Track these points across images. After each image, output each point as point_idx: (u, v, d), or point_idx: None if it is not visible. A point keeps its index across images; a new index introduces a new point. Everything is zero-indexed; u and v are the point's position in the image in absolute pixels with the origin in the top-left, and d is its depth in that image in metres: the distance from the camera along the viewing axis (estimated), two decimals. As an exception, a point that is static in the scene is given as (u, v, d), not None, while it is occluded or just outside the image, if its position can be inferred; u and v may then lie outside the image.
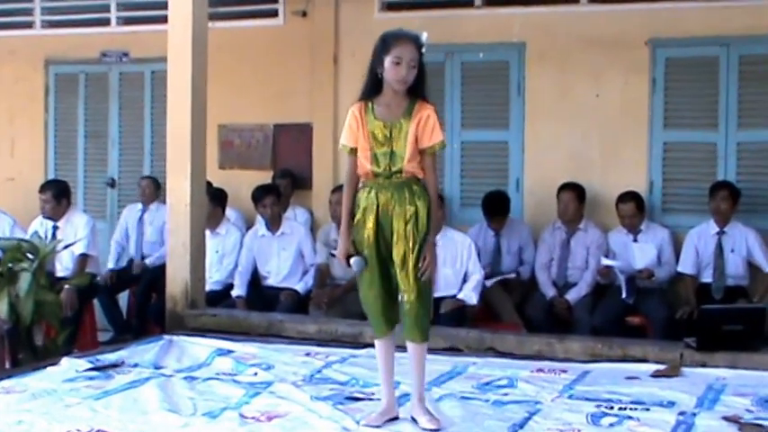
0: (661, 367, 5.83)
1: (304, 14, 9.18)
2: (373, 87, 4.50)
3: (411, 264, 4.40)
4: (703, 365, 5.97)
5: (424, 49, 4.44)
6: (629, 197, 7.88)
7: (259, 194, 8.30)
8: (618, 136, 8.30)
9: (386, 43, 4.43)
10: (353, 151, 4.53)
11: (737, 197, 7.70)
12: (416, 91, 4.47)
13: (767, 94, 7.96)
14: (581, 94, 8.39)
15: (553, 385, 5.32)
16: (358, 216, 4.49)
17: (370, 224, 4.45)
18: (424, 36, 4.47)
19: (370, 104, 4.49)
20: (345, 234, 4.55)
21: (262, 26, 9.46)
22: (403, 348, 4.59)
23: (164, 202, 7.84)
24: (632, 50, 8.22)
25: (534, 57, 8.51)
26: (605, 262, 7.70)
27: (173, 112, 7.03)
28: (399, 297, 4.48)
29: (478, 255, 7.81)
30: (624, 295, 7.58)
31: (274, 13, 9.42)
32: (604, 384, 5.36)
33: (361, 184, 4.54)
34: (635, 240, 7.87)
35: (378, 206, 4.44)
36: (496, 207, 8.16)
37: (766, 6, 7.88)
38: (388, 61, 4.39)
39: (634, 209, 7.83)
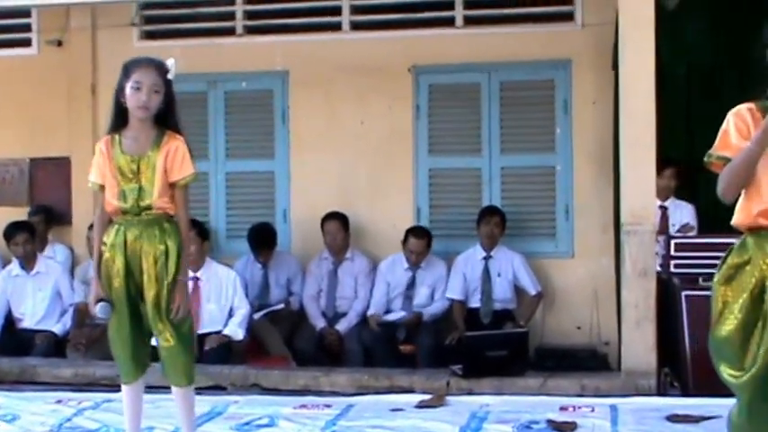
0: (426, 397, 5.81)
1: (59, 44, 8.79)
2: (119, 119, 4.30)
3: (163, 305, 4.22)
4: (470, 392, 6.03)
5: (170, 76, 4.25)
6: (423, 233, 7.79)
7: (10, 232, 7.89)
8: (384, 163, 8.28)
9: (126, 70, 4.28)
10: (102, 188, 4.32)
11: (505, 222, 7.80)
12: (165, 121, 4.27)
13: (528, 120, 8.11)
14: (346, 121, 8.34)
15: (315, 422, 5.23)
16: (106, 255, 4.29)
17: (118, 264, 4.26)
18: (170, 62, 4.30)
19: (117, 138, 4.28)
20: (96, 276, 4.34)
21: (14, 56, 9.00)
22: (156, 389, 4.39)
23: None
24: (396, 77, 8.22)
25: (298, 85, 8.41)
26: (384, 318, 7.61)
27: None
28: (156, 341, 4.29)
29: (246, 288, 7.65)
30: (400, 338, 7.54)
31: (27, 43, 8.98)
32: (368, 418, 5.32)
33: (111, 222, 4.33)
34: (413, 276, 7.80)
35: (126, 245, 4.23)
36: (263, 239, 8.00)
37: (525, 34, 8.06)
38: (128, 87, 4.20)
39: (424, 246, 7.75)
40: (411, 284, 7.77)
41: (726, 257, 3.36)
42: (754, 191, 3.26)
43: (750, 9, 7.52)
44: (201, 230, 7.42)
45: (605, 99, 7.57)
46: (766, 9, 7.34)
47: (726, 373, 3.31)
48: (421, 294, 7.77)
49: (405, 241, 7.74)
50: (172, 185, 4.28)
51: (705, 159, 3.39)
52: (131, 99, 4.21)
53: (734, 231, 7.31)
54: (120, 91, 4.26)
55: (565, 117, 8.01)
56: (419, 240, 7.69)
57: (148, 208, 4.24)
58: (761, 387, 3.21)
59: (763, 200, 3.24)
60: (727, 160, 3.29)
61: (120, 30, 8.64)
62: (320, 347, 7.68)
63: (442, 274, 7.86)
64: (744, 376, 3.23)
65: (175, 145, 4.27)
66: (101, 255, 4.33)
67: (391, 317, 7.62)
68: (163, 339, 4.25)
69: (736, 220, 3.33)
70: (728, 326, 3.28)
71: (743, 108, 3.35)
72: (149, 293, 4.23)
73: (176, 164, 4.26)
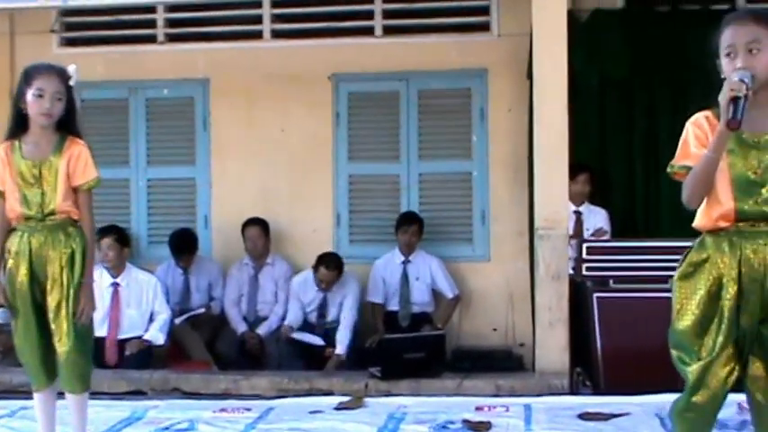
0: (345, 399, 5.88)
1: (-25, 49, 8.72)
2: (19, 125, 4.28)
3: (65, 311, 4.22)
4: (388, 394, 6.09)
5: (72, 82, 4.27)
6: (334, 265, 7.63)
7: None
8: (304, 169, 8.36)
9: (27, 76, 4.24)
10: (3, 195, 4.30)
11: (423, 228, 7.93)
12: (67, 127, 4.29)
13: (445, 127, 8.25)
14: (267, 128, 8.40)
15: (235, 425, 5.25)
16: (10, 263, 4.27)
17: (23, 271, 4.25)
18: (72, 68, 4.30)
19: (17, 143, 4.27)
20: None
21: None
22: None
23: None
24: (316, 85, 8.31)
25: (219, 92, 8.46)
26: (299, 336, 7.65)
27: None
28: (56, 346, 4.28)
29: (167, 293, 7.69)
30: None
31: (-59, 48, 8.90)
32: (287, 421, 5.35)
33: (13, 228, 4.31)
34: (324, 297, 7.74)
35: (30, 251, 4.23)
36: (183, 245, 8.02)
37: (443, 43, 8.20)
38: (29, 95, 4.18)
39: (335, 276, 7.62)
40: (323, 304, 7.72)
41: (685, 256, 3.43)
42: (713, 196, 3.35)
43: (664, 22, 7.75)
44: (121, 236, 7.44)
45: (520, 107, 7.73)
46: (680, 22, 7.59)
47: (680, 361, 3.40)
48: (333, 313, 7.72)
49: (316, 267, 7.65)
50: (75, 190, 4.27)
51: (668, 170, 3.43)
52: (33, 106, 4.18)
53: (642, 236, 7.59)
54: (20, 97, 4.23)
55: (481, 125, 8.18)
56: (330, 272, 7.58)
57: (52, 213, 4.23)
58: (706, 377, 3.34)
59: (722, 204, 3.33)
60: (689, 169, 3.31)
61: (39, 36, 8.60)
62: (241, 351, 7.74)
63: (353, 289, 7.75)
64: (695, 365, 3.36)
65: (78, 150, 4.27)
66: (4, 262, 4.31)
67: (307, 339, 7.58)
68: (62, 345, 4.23)
69: (698, 223, 3.40)
70: (687, 320, 3.34)
71: (700, 116, 3.38)
72: (54, 298, 4.22)
73: (79, 168, 4.25)
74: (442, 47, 8.19)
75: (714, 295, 3.30)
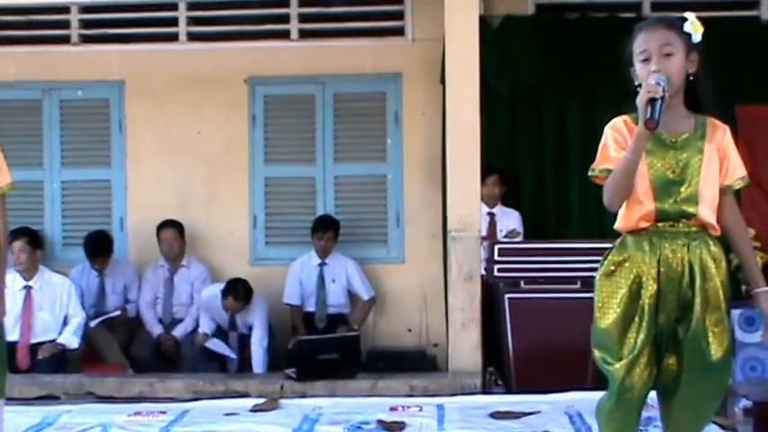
0: (261, 401, 5.91)
1: None
2: None
3: None
4: (303, 395, 6.13)
5: None
6: (242, 295, 7.44)
7: None
8: (220, 172, 8.37)
9: None
10: None
11: (338, 232, 7.99)
12: None
13: (360, 130, 8.33)
14: (183, 131, 8.39)
15: (149, 429, 5.25)
16: None
17: None
18: None
19: None
20: None
21: None
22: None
23: None
24: (232, 88, 8.33)
25: (135, 94, 8.42)
26: (213, 346, 7.59)
27: None
28: None
29: (82, 296, 7.64)
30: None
31: None
32: (202, 423, 5.36)
33: None
34: (232, 316, 7.62)
35: None
36: (98, 247, 7.96)
37: (358, 47, 8.27)
38: None
39: (242, 306, 7.46)
40: (233, 325, 7.61)
41: (607, 255, 3.50)
42: (633, 197, 3.43)
43: (574, 29, 7.90)
44: (34, 238, 7.38)
45: (434, 111, 7.83)
46: (588, 29, 7.75)
47: (603, 361, 3.46)
48: (243, 326, 7.62)
49: (224, 293, 7.43)
50: None
51: (589, 174, 3.48)
52: None
53: (552, 237, 7.73)
54: None
55: (396, 128, 8.27)
56: (237, 303, 7.42)
57: None
58: (630, 375, 3.43)
59: (643, 204, 3.41)
60: (610, 172, 3.40)
61: (-50, 34, 8.51)
62: (157, 354, 7.72)
63: (261, 315, 7.53)
64: (618, 364, 3.44)
65: None
66: None
67: (221, 349, 7.49)
68: None
69: (619, 225, 3.47)
70: (608, 319, 3.40)
71: (618, 121, 3.46)
72: None
73: None
74: (358, 51, 8.26)
75: (635, 294, 3.37)
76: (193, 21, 8.44)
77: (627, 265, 3.41)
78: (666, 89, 3.29)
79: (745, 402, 5.38)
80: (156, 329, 7.87)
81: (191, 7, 8.40)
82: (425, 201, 8.12)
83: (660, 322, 3.38)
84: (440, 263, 7.84)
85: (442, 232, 7.48)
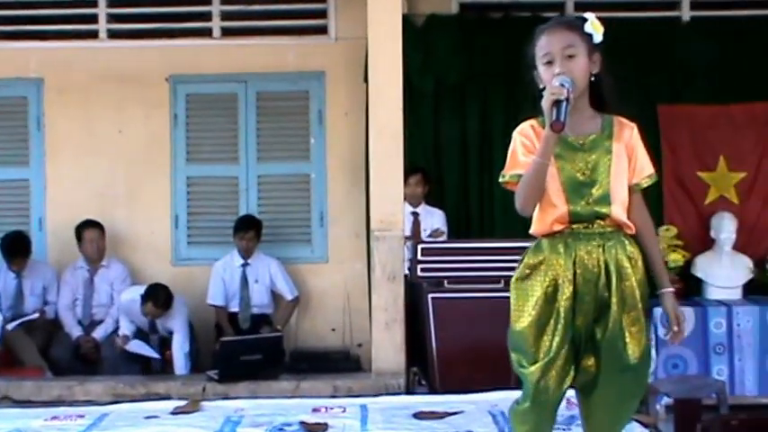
0: (182, 403, 5.84)
1: None
2: None
3: None
4: (225, 397, 6.06)
5: None
6: (162, 302, 7.39)
7: None
8: (142, 171, 8.28)
9: None
10: None
11: (261, 231, 7.94)
12: None
13: (283, 129, 8.30)
14: (103, 129, 8.28)
15: (67, 433, 5.15)
16: None
17: None
18: None
19: None
20: None
21: None
22: None
23: None
24: (153, 86, 8.25)
25: (53, 92, 8.30)
26: (133, 348, 7.55)
27: None
28: None
29: (-2, 298, 7.51)
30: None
31: None
32: (121, 426, 5.25)
33: None
34: (152, 322, 7.60)
35: None
36: (16, 248, 7.81)
37: (281, 46, 8.24)
38: None
39: (162, 312, 7.42)
40: (153, 328, 7.56)
41: (522, 258, 3.52)
42: (545, 201, 3.44)
43: (497, 28, 7.94)
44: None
45: (358, 110, 7.83)
46: (512, 28, 7.78)
47: (518, 363, 3.47)
48: (164, 329, 7.58)
49: (144, 298, 7.37)
50: None
51: (500, 180, 3.50)
52: None
53: (476, 237, 7.76)
54: None
55: (319, 127, 8.24)
56: (157, 309, 7.37)
57: None
58: (545, 378, 3.43)
59: (556, 207, 3.42)
60: (521, 177, 3.40)
61: None
62: (77, 356, 7.62)
63: (181, 321, 7.50)
64: (532, 367, 3.45)
65: None
66: None
67: (143, 351, 7.42)
68: None
69: (534, 229, 3.46)
70: (523, 322, 3.41)
71: (526, 125, 3.48)
72: None
73: None
74: (281, 49, 8.23)
75: (550, 297, 3.39)
76: (114, 18, 8.33)
77: (542, 268, 3.42)
78: (571, 90, 3.31)
79: (666, 400, 5.44)
80: (76, 331, 7.75)
81: (111, 4, 8.30)
82: (349, 200, 8.11)
83: (578, 324, 3.41)
84: (363, 262, 7.84)
85: (366, 232, 7.47)
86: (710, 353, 7.20)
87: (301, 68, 8.22)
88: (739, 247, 7.68)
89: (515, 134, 3.50)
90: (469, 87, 8.02)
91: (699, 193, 7.95)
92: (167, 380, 6.46)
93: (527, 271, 3.45)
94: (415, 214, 7.80)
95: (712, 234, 7.68)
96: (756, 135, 7.95)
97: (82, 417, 5.49)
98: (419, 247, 6.82)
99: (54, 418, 5.47)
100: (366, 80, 7.11)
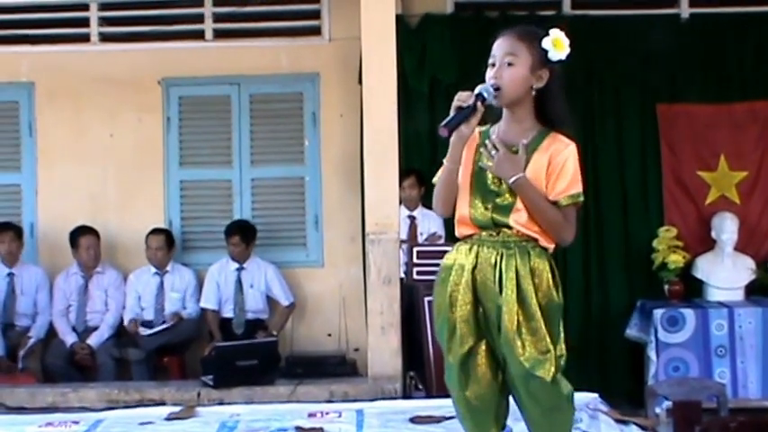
0: (177, 409, 5.79)
1: None
2: None
3: None
4: (221, 403, 6.01)
5: None
6: (160, 231, 7.88)
7: None
8: (134, 176, 8.23)
9: None
10: None
11: (254, 235, 7.88)
12: None
13: (277, 132, 8.25)
14: (96, 134, 8.24)
15: (61, 440, 5.10)
16: None
17: None
18: None
19: None
20: None
21: None
22: None
23: None
24: (145, 90, 8.20)
25: (45, 96, 8.26)
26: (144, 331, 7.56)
27: None
28: None
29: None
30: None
31: None
32: (115, 433, 5.23)
33: None
34: (162, 282, 7.84)
35: None
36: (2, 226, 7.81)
37: (274, 47, 8.20)
38: None
39: (163, 242, 7.84)
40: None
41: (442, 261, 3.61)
42: (458, 204, 3.52)
43: (493, 27, 7.85)
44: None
45: (352, 112, 7.76)
46: (507, 27, 7.73)
47: (447, 356, 3.58)
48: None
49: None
50: None
51: (433, 181, 3.63)
52: None
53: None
54: None
55: (313, 129, 8.20)
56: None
57: None
58: (465, 375, 3.51)
59: (460, 210, 3.50)
60: None
61: None
62: (71, 363, 7.57)
63: (191, 279, 7.91)
64: (452, 368, 3.54)
65: None
66: None
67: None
68: None
69: (456, 232, 3.59)
70: (438, 323, 3.57)
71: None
72: None
73: None
74: (274, 51, 8.19)
75: (455, 300, 3.48)
76: (105, 21, 8.29)
77: (452, 271, 3.51)
78: (487, 99, 3.34)
79: (667, 403, 5.39)
80: (70, 338, 7.69)
81: (102, 7, 8.26)
82: (344, 203, 8.05)
83: (484, 329, 3.50)
84: (359, 266, 7.79)
85: (361, 235, 7.40)
86: (712, 355, 7.17)
87: (295, 70, 8.18)
88: (741, 247, 7.64)
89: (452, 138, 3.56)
90: (465, 88, 7.94)
91: (699, 193, 7.90)
92: (162, 386, 6.39)
93: (442, 273, 3.56)
94: (412, 218, 7.74)
95: (713, 234, 7.64)
96: (758, 134, 7.91)
97: (76, 423, 5.44)
98: (414, 249, 6.78)
99: (48, 424, 5.42)
100: (360, 81, 7.04)
